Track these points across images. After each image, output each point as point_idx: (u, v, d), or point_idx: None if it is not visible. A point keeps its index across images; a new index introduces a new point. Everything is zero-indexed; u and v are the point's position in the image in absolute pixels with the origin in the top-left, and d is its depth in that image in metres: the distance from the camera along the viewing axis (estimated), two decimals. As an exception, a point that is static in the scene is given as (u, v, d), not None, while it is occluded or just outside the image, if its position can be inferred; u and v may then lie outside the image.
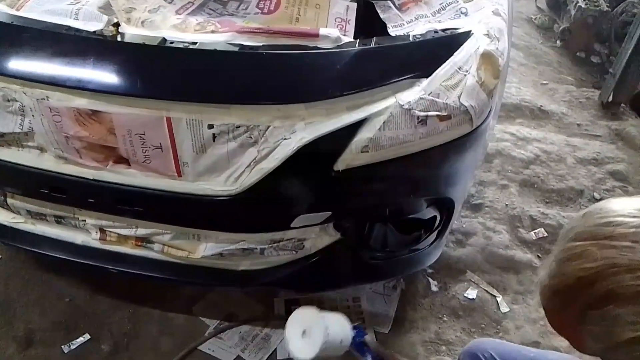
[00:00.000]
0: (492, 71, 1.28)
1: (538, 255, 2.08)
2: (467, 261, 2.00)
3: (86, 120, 1.21)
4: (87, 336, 1.65)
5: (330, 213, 1.33)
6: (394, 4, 1.52)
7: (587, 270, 0.62)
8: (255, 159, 1.20)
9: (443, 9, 1.47)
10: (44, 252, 1.55)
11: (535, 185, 2.42)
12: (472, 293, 1.88)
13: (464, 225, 2.13)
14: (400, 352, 1.66)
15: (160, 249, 1.45)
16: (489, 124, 1.39)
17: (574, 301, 0.65)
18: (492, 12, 1.40)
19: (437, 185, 1.41)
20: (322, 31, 1.27)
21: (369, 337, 1.13)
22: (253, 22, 1.37)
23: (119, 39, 1.25)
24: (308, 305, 1.11)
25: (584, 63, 3.69)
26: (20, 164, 1.32)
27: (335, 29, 1.33)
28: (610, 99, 3.04)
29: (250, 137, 1.19)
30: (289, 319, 1.09)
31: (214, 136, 1.19)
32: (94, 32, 1.25)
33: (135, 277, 1.51)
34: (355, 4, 1.52)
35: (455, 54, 1.24)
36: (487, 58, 1.27)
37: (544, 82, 3.37)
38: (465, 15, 1.43)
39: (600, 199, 2.36)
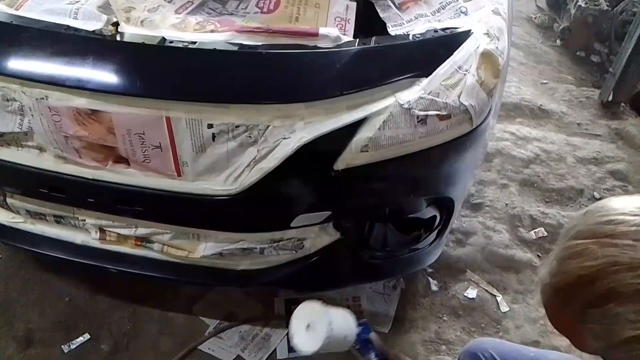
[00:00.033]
0: (492, 70, 1.28)
1: (538, 255, 2.08)
2: (467, 261, 2.00)
3: (85, 120, 1.21)
4: (87, 336, 1.65)
5: (330, 212, 1.33)
6: (394, 4, 1.52)
7: (588, 268, 0.62)
8: (254, 158, 1.20)
9: (443, 8, 1.47)
10: (44, 252, 1.55)
11: (535, 185, 2.42)
12: (472, 292, 1.88)
13: (463, 225, 2.13)
14: (400, 351, 1.66)
15: (160, 249, 1.45)
16: (489, 124, 1.39)
17: (574, 299, 0.65)
18: (492, 11, 1.40)
19: (437, 184, 1.41)
20: (322, 30, 1.26)
21: (374, 335, 1.13)
22: (252, 21, 1.37)
23: (118, 38, 1.25)
24: (314, 300, 1.11)
25: (584, 62, 3.69)
26: (19, 164, 1.32)
27: (335, 29, 1.33)
28: (610, 98, 3.04)
29: (250, 137, 1.19)
30: (295, 312, 1.09)
31: (214, 136, 1.18)
32: (93, 31, 1.25)
33: (135, 276, 1.51)
34: (354, 4, 1.51)
35: (455, 53, 1.24)
36: (487, 57, 1.27)
37: (544, 81, 3.37)
38: (465, 14, 1.42)
39: (600, 199, 2.35)
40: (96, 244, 1.49)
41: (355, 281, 1.70)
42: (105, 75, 1.20)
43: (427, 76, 1.21)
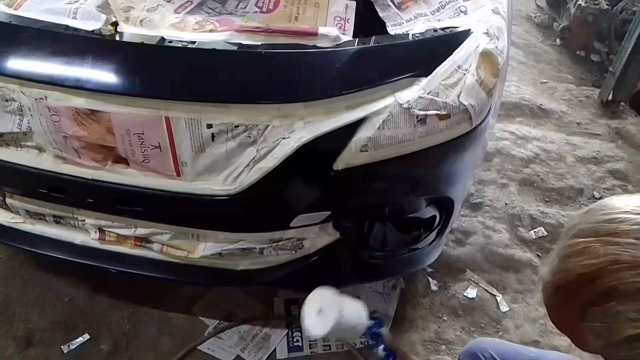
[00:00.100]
0: (491, 70, 1.28)
1: (538, 254, 2.08)
2: (466, 260, 2.00)
3: (85, 120, 1.21)
4: (86, 336, 1.65)
5: (329, 212, 1.33)
6: (393, 3, 1.52)
7: (589, 266, 0.62)
8: (254, 158, 1.20)
9: (442, 8, 1.47)
10: (43, 252, 1.55)
11: (535, 184, 2.41)
12: (471, 292, 1.88)
13: (463, 224, 2.13)
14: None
15: (160, 249, 1.45)
16: (489, 123, 1.38)
17: (575, 297, 0.65)
18: (492, 10, 1.40)
19: (437, 184, 1.41)
20: (321, 30, 1.26)
21: (385, 330, 1.13)
22: (252, 21, 1.37)
23: (117, 38, 1.25)
24: (329, 287, 1.11)
25: (584, 61, 3.69)
26: (18, 164, 1.32)
27: (335, 28, 1.33)
28: (610, 97, 3.04)
29: (249, 137, 1.18)
30: (309, 296, 1.10)
31: (213, 136, 1.18)
32: (93, 31, 1.25)
33: (135, 277, 1.51)
34: (354, 3, 1.51)
35: (454, 52, 1.24)
36: (486, 57, 1.27)
37: (544, 80, 3.36)
38: (465, 13, 1.42)
39: (600, 198, 2.36)
40: (95, 244, 1.48)
41: (355, 281, 1.70)
42: (105, 75, 1.20)
43: (426, 76, 1.21)
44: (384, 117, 1.17)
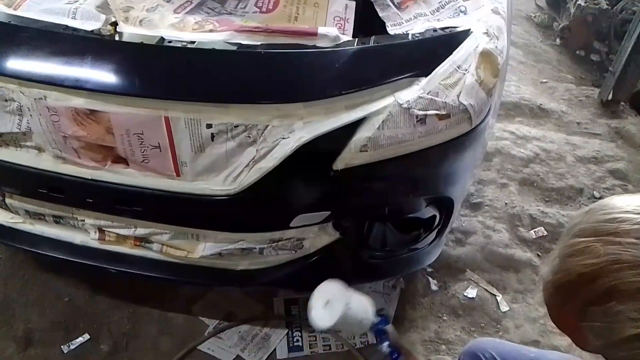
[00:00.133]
0: (491, 70, 1.28)
1: (538, 254, 2.08)
2: (466, 260, 2.00)
3: (84, 120, 1.21)
4: (86, 336, 1.65)
5: (329, 212, 1.33)
6: (393, 3, 1.52)
7: (590, 266, 0.62)
8: (253, 158, 1.20)
9: (442, 8, 1.47)
10: (43, 252, 1.55)
11: (535, 184, 2.41)
12: (471, 292, 1.88)
13: (463, 224, 2.13)
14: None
15: (159, 249, 1.45)
16: (488, 123, 1.38)
17: (575, 297, 0.65)
18: (491, 10, 1.40)
19: (437, 184, 1.41)
20: (321, 30, 1.26)
21: (391, 327, 1.14)
22: (251, 21, 1.37)
23: (116, 38, 1.25)
24: (338, 280, 1.11)
25: (584, 61, 3.69)
26: (18, 164, 1.32)
27: (334, 28, 1.33)
28: (610, 97, 3.04)
29: (249, 137, 1.18)
30: (317, 288, 1.10)
31: (213, 136, 1.18)
32: (92, 31, 1.24)
33: (135, 277, 1.51)
34: (354, 3, 1.51)
35: (454, 52, 1.24)
36: (486, 56, 1.27)
37: (544, 80, 3.36)
38: (464, 13, 1.42)
39: (600, 198, 2.36)
40: (95, 244, 1.48)
41: (355, 281, 1.68)
42: (104, 75, 1.20)
43: (426, 75, 1.20)
44: (384, 117, 1.17)
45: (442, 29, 1.33)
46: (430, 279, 1.91)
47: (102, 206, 1.38)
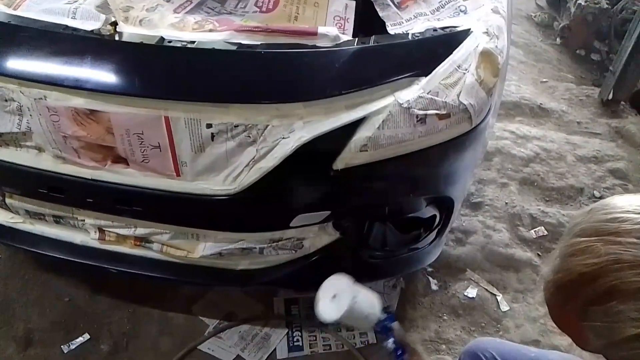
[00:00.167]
0: (491, 69, 1.27)
1: (538, 254, 2.08)
2: (467, 260, 1.99)
3: (84, 120, 1.21)
4: (86, 336, 1.65)
5: (329, 212, 1.33)
6: (393, 2, 1.52)
7: (591, 266, 0.62)
8: (253, 158, 1.20)
9: (442, 7, 1.47)
10: (43, 252, 1.55)
11: (535, 184, 2.41)
12: (472, 292, 1.87)
13: (463, 224, 2.13)
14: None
15: (159, 249, 1.45)
16: (489, 122, 1.38)
17: (576, 297, 0.65)
18: (492, 9, 1.40)
19: (437, 184, 1.41)
20: (321, 30, 1.26)
21: (397, 325, 1.14)
22: (251, 20, 1.37)
23: (116, 38, 1.25)
24: (346, 274, 1.11)
25: (584, 61, 3.69)
26: (18, 164, 1.32)
27: (334, 28, 1.33)
28: (610, 96, 3.03)
29: (249, 137, 1.18)
30: (325, 281, 1.11)
31: (213, 135, 1.18)
32: (92, 31, 1.24)
33: (135, 276, 1.51)
34: (354, 2, 1.51)
35: (454, 52, 1.24)
36: (486, 56, 1.26)
37: (544, 79, 3.36)
38: (465, 13, 1.42)
39: (600, 197, 2.36)
40: (95, 244, 1.48)
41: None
42: (104, 75, 1.20)
43: (426, 75, 1.20)
44: (384, 117, 1.17)
45: (442, 28, 1.33)
46: (430, 278, 1.91)
47: (102, 206, 1.38)
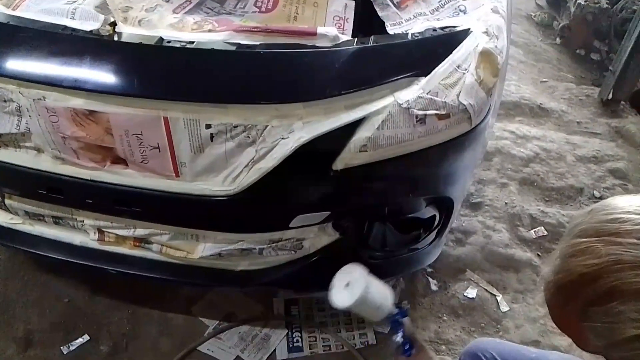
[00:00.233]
0: (491, 69, 1.27)
1: (538, 254, 2.08)
2: (466, 260, 1.99)
3: (83, 121, 1.20)
4: (86, 337, 1.64)
5: (329, 213, 1.33)
6: (393, 2, 1.52)
7: (591, 266, 0.62)
8: (253, 158, 1.20)
9: (442, 7, 1.47)
10: (43, 253, 1.54)
11: (535, 184, 2.41)
12: (471, 292, 1.87)
13: (463, 224, 2.12)
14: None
15: (159, 250, 1.45)
16: (488, 123, 1.38)
17: (576, 297, 0.65)
18: (491, 9, 1.39)
19: (436, 184, 1.41)
20: (320, 30, 1.26)
21: (407, 320, 1.14)
22: (251, 20, 1.37)
23: (115, 38, 1.25)
24: (362, 265, 1.12)
25: (584, 60, 3.68)
26: (17, 165, 1.32)
27: (334, 28, 1.33)
28: (610, 96, 3.03)
29: (248, 137, 1.18)
30: (340, 269, 1.12)
31: (212, 136, 1.18)
32: (91, 31, 1.24)
33: (134, 277, 1.51)
34: (353, 2, 1.51)
35: (454, 52, 1.23)
36: (486, 56, 1.26)
37: (544, 79, 3.36)
38: (464, 13, 1.42)
39: (600, 197, 2.35)
40: (95, 244, 1.48)
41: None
42: (103, 76, 1.20)
43: (425, 75, 1.20)
44: (383, 117, 1.17)
45: (442, 28, 1.33)
46: (430, 279, 1.91)
47: (101, 207, 1.38)
